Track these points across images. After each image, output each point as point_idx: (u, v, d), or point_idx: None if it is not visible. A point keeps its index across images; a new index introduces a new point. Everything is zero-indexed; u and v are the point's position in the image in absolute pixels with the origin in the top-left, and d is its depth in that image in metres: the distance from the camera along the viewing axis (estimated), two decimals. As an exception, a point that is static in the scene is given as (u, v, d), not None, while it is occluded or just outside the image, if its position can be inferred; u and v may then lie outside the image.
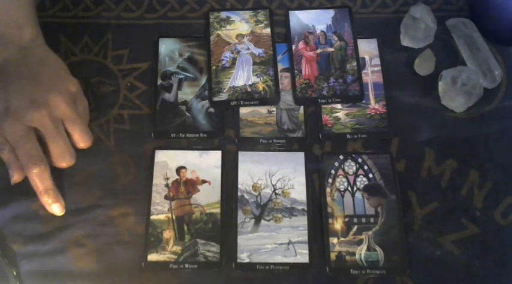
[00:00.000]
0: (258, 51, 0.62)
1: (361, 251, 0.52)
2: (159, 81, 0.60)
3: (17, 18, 0.55)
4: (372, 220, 0.54)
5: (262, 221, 0.54)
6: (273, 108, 0.59)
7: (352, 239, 0.53)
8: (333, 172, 0.56)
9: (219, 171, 0.56)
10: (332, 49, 0.62)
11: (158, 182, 0.55)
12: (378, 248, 0.52)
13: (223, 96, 0.59)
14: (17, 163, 0.51)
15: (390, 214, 0.54)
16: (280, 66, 0.61)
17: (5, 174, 0.55)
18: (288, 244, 0.53)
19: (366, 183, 0.55)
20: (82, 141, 0.54)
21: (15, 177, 0.52)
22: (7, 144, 0.51)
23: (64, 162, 0.53)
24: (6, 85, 0.52)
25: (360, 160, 0.56)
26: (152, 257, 0.52)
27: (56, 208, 0.52)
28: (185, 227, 0.53)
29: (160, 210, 0.54)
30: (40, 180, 0.51)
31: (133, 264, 0.52)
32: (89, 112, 0.57)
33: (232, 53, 0.62)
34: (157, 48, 0.62)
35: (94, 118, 0.58)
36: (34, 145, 0.51)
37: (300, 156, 0.57)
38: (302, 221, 0.54)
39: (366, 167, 0.56)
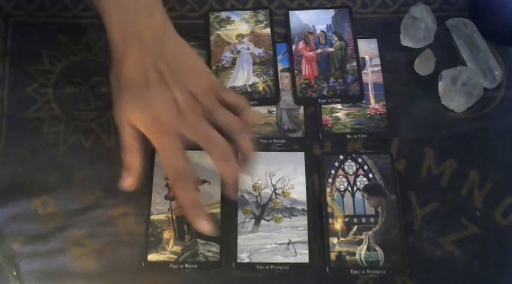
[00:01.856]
0: (258, 51, 0.62)
1: (361, 251, 0.52)
2: (159, 81, 0.60)
3: (146, 4, 0.50)
4: (372, 220, 0.54)
5: (262, 221, 0.54)
6: (273, 108, 0.59)
7: (352, 239, 0.53)
8: (333, 172, 0.56)
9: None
10: (332, 49, 0.62)
11: (158, 182, 0.55)
12: (378, 248, 0.52)
13: (223, 96, 0.59)
14: (139, 170, 0.50)
15: (390, 214, 0.54)
16: (280, 66, 0.61)
17: (5, 174, 0.55)
18: (288, 244, 0.53)
19: (366, 183, 0.55)
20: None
21: (132, 184, 0.50)
22: (139, 150, 0.49)
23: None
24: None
25: (360, 160, 0.56)
26: (152, 257, 0.52)
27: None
28: (185, 227, 0.53)
29: (161, 209, 0.54)
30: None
31: (133, 264, 0.52)
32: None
33: (232, 53, 0.62)
34: (158, 48, 0.62)
35: (94, 118, 0.58)
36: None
37: (300, 156, 0.57)
38: (302, 221, 0.54)
39: (366, 167, 0.56)
